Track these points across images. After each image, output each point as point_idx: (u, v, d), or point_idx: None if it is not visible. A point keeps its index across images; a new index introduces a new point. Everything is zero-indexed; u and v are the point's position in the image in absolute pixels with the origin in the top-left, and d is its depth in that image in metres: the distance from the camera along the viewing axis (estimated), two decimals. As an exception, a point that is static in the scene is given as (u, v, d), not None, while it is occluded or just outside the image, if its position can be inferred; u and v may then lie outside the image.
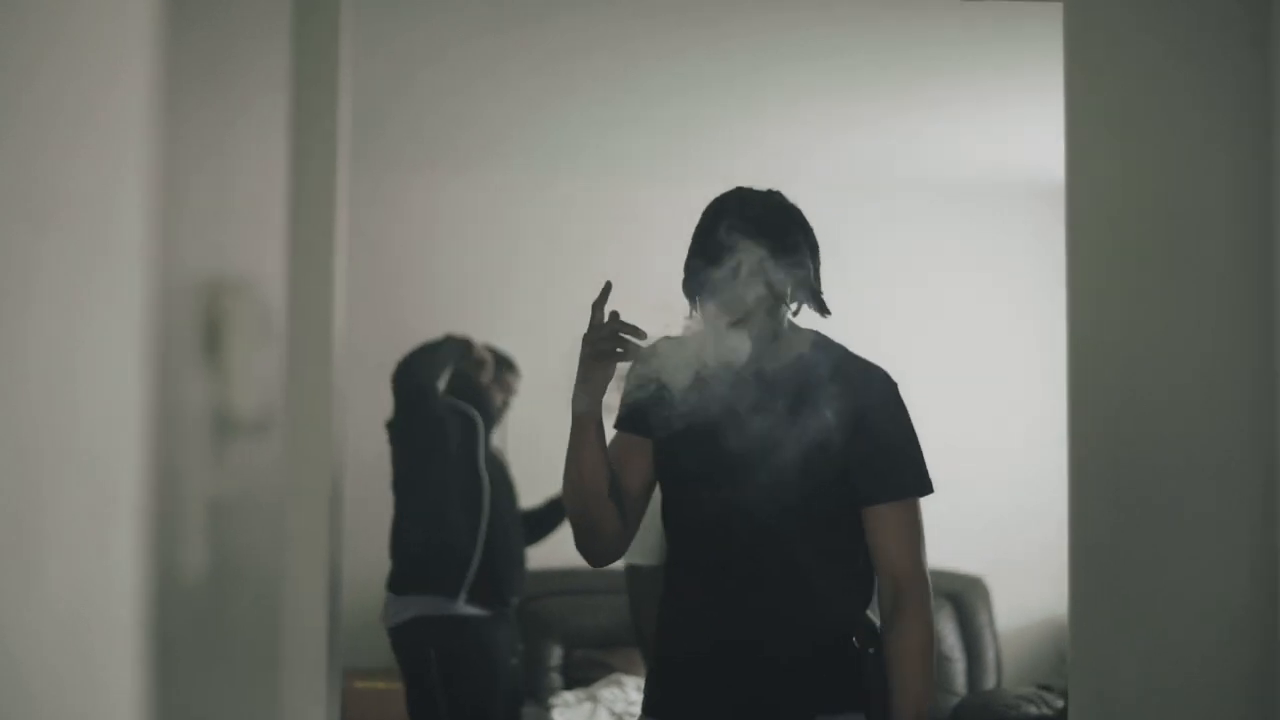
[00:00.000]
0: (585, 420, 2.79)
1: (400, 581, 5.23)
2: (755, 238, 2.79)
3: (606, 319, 2.74)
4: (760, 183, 2.97)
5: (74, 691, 1.26)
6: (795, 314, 2.87)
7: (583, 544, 2.88)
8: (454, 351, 5.48)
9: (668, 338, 2.85)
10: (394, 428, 5.39)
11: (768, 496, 2.74)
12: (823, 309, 2.88)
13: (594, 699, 6.68)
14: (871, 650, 2.81)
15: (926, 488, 2.87)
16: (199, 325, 1.52)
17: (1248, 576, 2.41)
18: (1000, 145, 6.80)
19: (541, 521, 5.96)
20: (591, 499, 2.80)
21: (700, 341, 2.74)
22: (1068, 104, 2.92)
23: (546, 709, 6.62)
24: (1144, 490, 2.63)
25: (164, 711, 1.30)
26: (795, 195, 2.96)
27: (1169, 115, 2.69)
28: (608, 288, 2.75)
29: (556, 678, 6.98)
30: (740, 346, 2.72)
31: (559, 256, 7.35)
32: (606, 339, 2.73)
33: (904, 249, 7.26)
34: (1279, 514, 2.30)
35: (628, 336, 2.73)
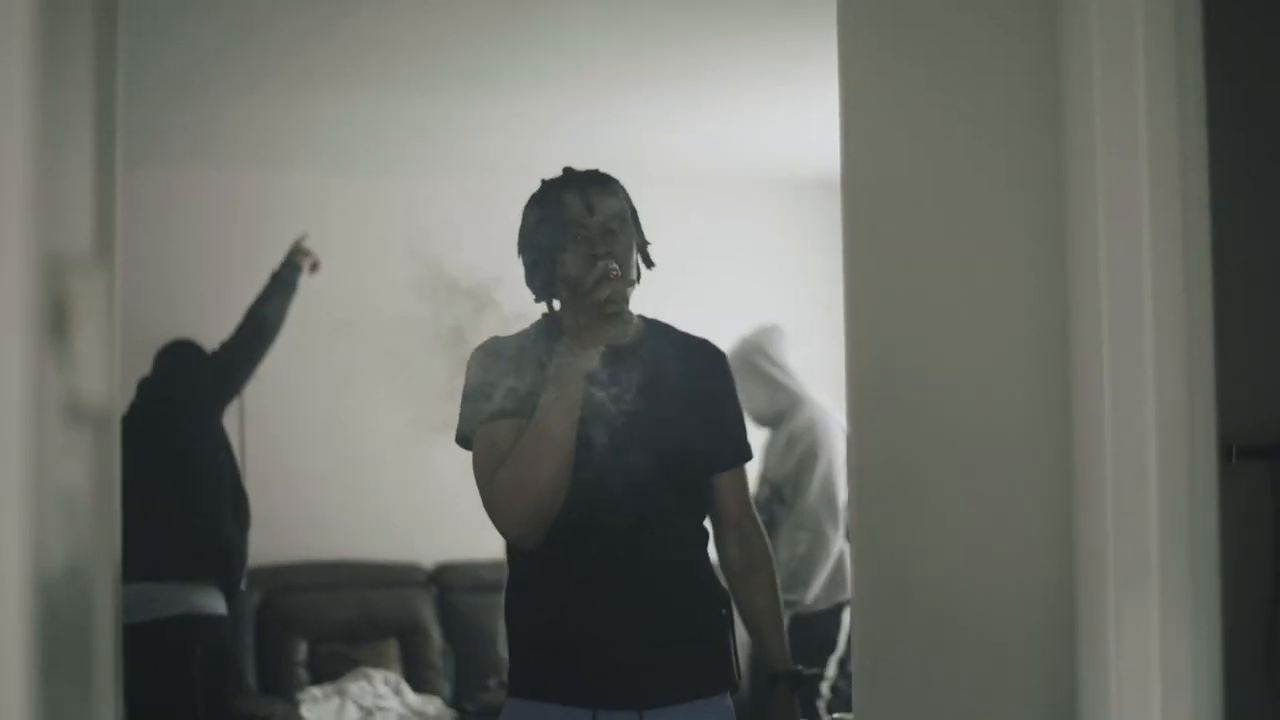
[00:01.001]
0: (578, 386, 2.75)
1: (166, 569, 5.01)
2: (617, 209, 2.86)
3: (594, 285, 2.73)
4: (535, 174, 2.99)
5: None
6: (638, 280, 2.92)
7: (535, 519, 2.78)
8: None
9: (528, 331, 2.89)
10: (180, 396, 5.21)
11: (642, 473, 2.80)
12: (649, 261, 2.95)
13: (342, 693, 6.64)
14: (724, 611, 2.95)
15: (751, 452, 3.08)
16: (46, 313, 1.48)
17: (1039, 568, 2.47)
18: (776, 136, 6.94)
19: None
20: (564, 464, 2.74)
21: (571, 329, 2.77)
22: (842, 95, 2.91)
23: (294, 705, 6.54)
24: (926, 480, 2.69)
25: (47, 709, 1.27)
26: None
27: (948, 106, 2.74)
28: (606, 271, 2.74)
29: (303, 673, 6.90)
30: (620, 327, 2.78)
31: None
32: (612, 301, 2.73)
33: (672, 239, 7.30)
34: (1072, 505, 2.37)
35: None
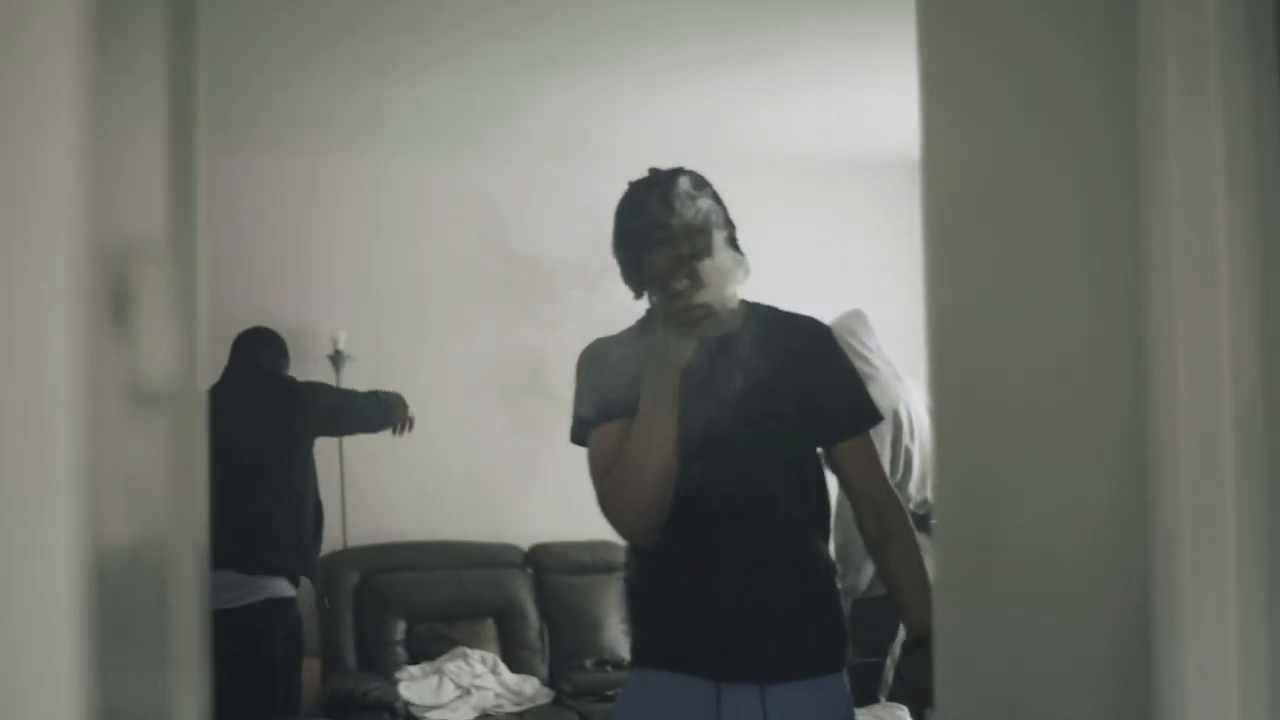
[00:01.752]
0: (674, 386, 2.77)
1: (260, 562, 5.11)
2: (710, 205, 2.89)
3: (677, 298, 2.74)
4: (615, 159, 3.02)
5: (11, 673, 1.25)
6: None
7: (645, 518, 2.82)
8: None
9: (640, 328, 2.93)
10: (305, 406, 5.34)
11: (751, 457, 2.84)
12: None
13: (439, 672, 6.71)
14: (838, 588, 3.01)
15: (879, 415, 3.10)
16: (110, 296, 1.50)
17: (1115, 556, 2.45)
18: (861, 119, 6.91)
19: None
20: (668, 463, 2.77)
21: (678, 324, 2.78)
22: (922, 77, 2.86)
23: (392, 683, 6.62)
24: (1005, 466, 2.67)
25: (101, 691, 1.28)
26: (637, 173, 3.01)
27: (1028, 86, 2.71)
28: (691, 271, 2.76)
29: (401, 652, 6.98)
30: (729, 314, 2.80)
31: (389, 237, 7.30)
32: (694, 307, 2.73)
33: (755, 224, 7.31)
34: (1148, 493, 2.35)
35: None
